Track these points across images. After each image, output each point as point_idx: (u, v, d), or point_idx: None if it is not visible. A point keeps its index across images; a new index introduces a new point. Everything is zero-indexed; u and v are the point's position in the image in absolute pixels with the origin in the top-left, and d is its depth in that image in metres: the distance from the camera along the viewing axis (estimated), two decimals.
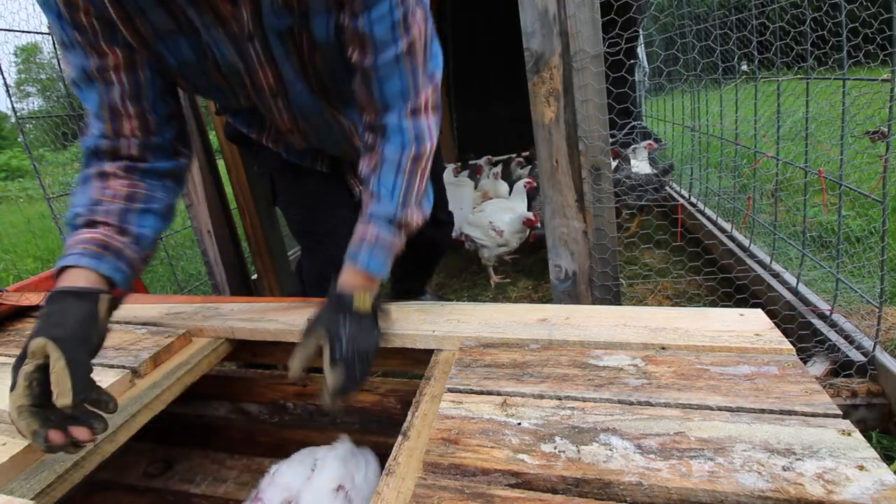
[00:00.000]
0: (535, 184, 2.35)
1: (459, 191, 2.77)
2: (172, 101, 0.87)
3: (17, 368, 0.61)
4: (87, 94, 0.80)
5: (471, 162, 3.60)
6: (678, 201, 2.66)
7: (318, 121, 1.02)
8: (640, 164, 3.08)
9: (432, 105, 0.88)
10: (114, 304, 0.74)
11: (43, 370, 0.60)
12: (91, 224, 0.76)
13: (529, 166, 3.29)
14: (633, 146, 2.90)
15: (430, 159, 0.90)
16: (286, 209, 1.35)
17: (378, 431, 1.00)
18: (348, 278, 0.84)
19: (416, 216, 0.89)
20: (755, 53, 1.65)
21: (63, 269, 0.72)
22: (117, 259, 0.76)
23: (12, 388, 0.60)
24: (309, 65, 0.88)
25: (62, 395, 0.58)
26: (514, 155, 3.55)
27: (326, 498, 0.71)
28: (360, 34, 0.78)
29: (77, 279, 0.71)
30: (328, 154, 1.21)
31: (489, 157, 3.53)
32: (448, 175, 2.95)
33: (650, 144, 2.99)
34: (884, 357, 1.13)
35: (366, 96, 0.85)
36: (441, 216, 1.56)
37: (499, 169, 3.15)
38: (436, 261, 1.79)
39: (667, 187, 2.96)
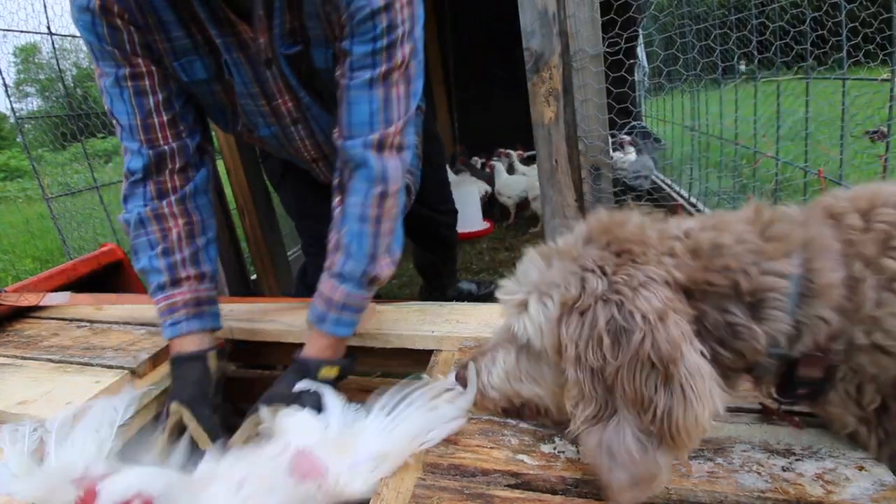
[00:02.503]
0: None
1: (465, 189, 2.76)
2: (194, 107, 0.89)
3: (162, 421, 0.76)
4: (118, 105, 0.81)
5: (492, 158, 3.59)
6: (678, 201, 2.66)
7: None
8: (631, 157, 3.11)
9: (400, 144, 0.81)
10: (220, 354, 0.84)
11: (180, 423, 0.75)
12: (176, 283, 0.83)
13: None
14: (618, 139, 2.97)
15: (397, 199, 0.83)
16: (289, 203, 1.34)
17: None
18: (314, 345, 0.79)
19: (386, 266, 0.83)
20: (755, 53, 1.65)
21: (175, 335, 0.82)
22: (209, 305, 0.86)
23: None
24: (311, 88, 0.89)
25: (203, 442, 0.73)
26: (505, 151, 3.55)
27: None
28: (344, 51, 0.78)
29: (188, 344, 0.81)
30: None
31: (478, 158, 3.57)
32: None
33: (632, 140, 3.08)
34: None
35: (338, 118, 0.81)
36: (441, 207, 1.58)
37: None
38: (449, 253, 1.82)
39: (650, 175, 3.01)
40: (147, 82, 0.80)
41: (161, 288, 0.83)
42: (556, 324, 0.47)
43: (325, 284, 0.81)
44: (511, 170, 3.28)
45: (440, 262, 1.83)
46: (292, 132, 0.96)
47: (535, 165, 3.49)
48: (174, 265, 0.83)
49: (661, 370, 0.41)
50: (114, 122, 0.84)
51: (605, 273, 0.46)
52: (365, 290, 0.82)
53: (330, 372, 0.77)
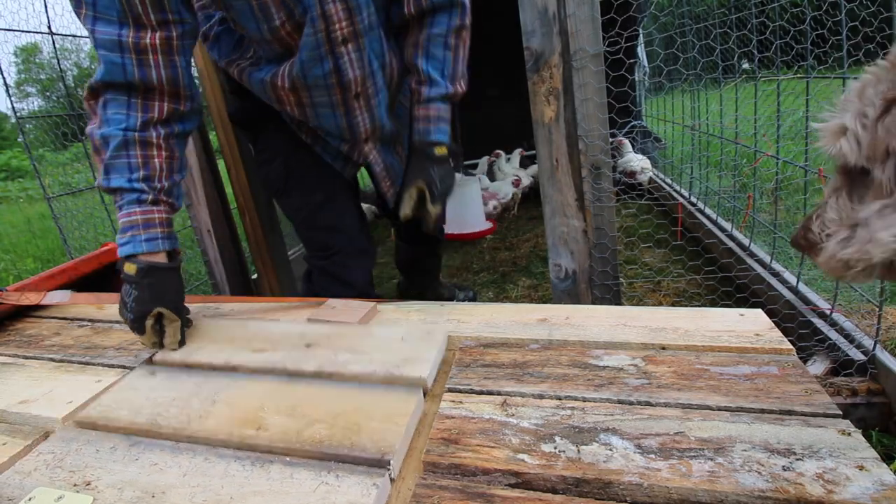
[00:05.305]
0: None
1: (466, 189, 2.75)
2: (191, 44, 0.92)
3: (140, 321, 0.84)
4: (105, 7, 0.80)
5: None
6: (678, 200, 2.66)
7: (371, 46, 1.06)
8: (630, 157, 3.13)
9: None
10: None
11: (159, 323, 0.86)
12: (156, 202, 0.87)
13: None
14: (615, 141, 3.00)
15: (468, 32, 1.08)
16: (301, 204, 1.29)
17: None
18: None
19: (461, 88, 1.11)
20: (755, 52, 1.65)
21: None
22: (172, 231, 0.91)
23: (141, 331, 0.85)
24: None
25: (172, 343, 0.86)
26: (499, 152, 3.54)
27: None
28: None
29: (161, 258, 0.87)
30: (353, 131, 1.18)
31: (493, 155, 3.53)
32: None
33: (620, 140, 3.15)
34: (884, 356, 1.13)
35: None
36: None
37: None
38: (435, 248, 1.77)
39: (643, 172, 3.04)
40: None
41: (140, 202, 0.85)
42: (874, 126, 0.45)
43: (420, 110, 1.09)
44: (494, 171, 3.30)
45: (424, 256, 1.78)
46: (332, 10, 0.95)
47: (521, 167, 3.48)
48: (155, 189, 0.87)
49: None
50: (93, 30, 0.81)
51: None
52: (449, 107, 1.09)
53: (442, 150, 1.09)
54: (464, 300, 1.94)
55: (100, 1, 0.79)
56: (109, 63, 0.82)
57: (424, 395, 0.68)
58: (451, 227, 2.68)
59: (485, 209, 2.88)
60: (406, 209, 1.07)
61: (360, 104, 1.11)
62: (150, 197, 0.86)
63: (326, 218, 1.26)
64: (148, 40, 0.82)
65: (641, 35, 3.23)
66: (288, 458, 0.58)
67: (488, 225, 2.84)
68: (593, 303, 1.33)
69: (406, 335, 0.79)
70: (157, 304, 0.84)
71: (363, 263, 1.31)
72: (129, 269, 0.84)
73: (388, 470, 0.55)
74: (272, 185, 1.30)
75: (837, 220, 0.52)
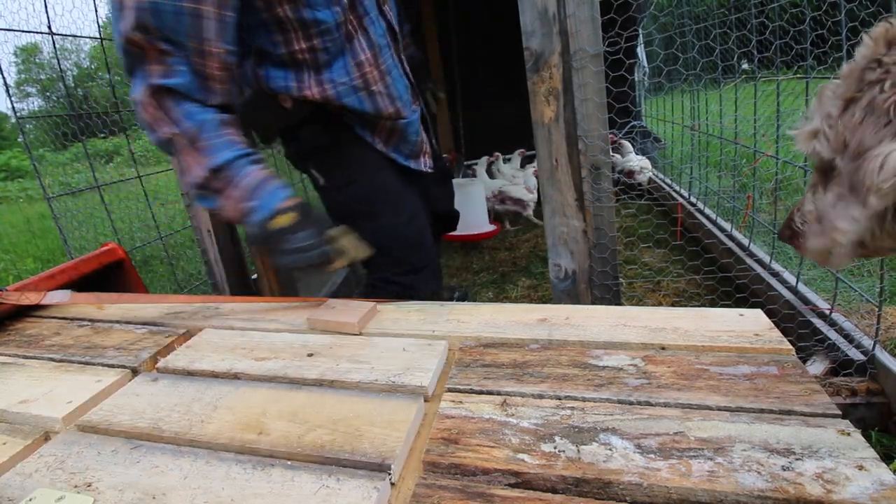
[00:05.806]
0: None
1: (469, 190, 2.74)
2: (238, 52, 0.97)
3: (337, 244, 0.92)
4: (171, 22, 0.83)
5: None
6: (677, 200, 2.66)
7: (391, 4, 1.20)
8: (630, 157, 3.13)
9: None
10: None
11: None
12: (263, 161, 0.94)
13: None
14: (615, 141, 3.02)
15: None
16: (390, 224, 1.24)
17: None
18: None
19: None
20: (755, 52, 1.65)
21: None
22: None
23: (343, 253, 0.92)
24: None
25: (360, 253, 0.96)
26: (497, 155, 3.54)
27: None
28: None
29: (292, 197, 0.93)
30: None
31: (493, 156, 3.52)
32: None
33: (619, 141, 3.20)
34: (883, 356, 1.13)
35: None
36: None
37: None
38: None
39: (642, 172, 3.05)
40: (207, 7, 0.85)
41: (254, 162, 0.92)
42: (837, 122, 0.51)
43: (415, 55, 1.39)
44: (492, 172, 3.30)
45: None
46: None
47: (522, 167, 3.49)
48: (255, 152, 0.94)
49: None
50: (157, 39, 0.83)
51: (881, 64, 0.49)
52: None
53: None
54: (459, 298, 1.95)
55: (166, 25, 0.82)
56: (185, 80, 0.87)
57: (425, 402, 0.69)
58: None
59: (524, 194, 3.02)
60: (432, 108, 1.46)
61: (404, 57, 1.23)
62: (259, 157, 0.93)
63: (413, 236, 1.25)
64: (214, 69, 0.89)
65: (641, 35, 3.24)
66: (289, 462, 0.59)
67: (491, 227, 2.83)
68: (593, 303, 1.33)
69: (407, 345, 0.81)
70: (328, 226, 0.92)
71: (439, 280, 1.33)
72: (282, 220, 0.88)
73: (389, 474, 0.55)
74: (354, 209, 1.24)
75: (813, 211, 0.60)
